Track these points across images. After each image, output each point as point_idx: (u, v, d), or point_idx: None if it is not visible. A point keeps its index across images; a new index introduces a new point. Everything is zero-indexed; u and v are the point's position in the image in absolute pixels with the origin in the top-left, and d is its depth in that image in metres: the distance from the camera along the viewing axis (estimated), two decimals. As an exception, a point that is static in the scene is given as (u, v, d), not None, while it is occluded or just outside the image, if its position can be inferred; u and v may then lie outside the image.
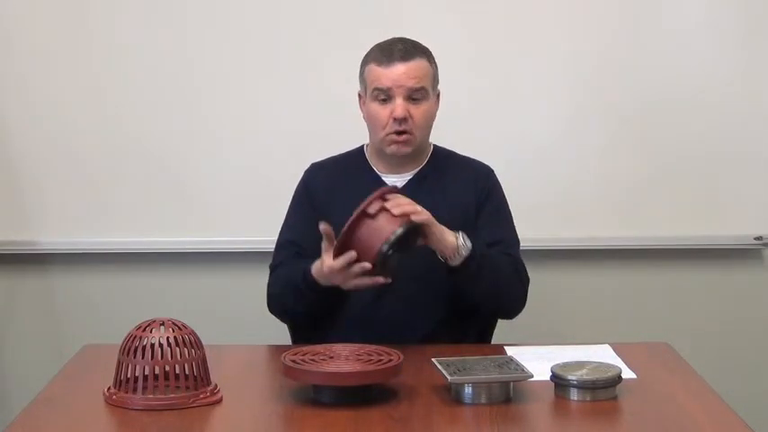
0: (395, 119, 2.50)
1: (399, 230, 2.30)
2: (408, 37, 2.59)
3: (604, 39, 3.27)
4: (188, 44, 3.24)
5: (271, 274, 2.63)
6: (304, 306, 2.53)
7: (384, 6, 3.22)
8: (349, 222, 2.30)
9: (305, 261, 2.48)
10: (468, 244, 2.42)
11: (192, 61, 3.24)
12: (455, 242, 2.41)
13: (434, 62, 2.58)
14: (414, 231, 2.34)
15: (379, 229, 2.30)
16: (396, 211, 2.31)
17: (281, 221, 2.69)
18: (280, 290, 2.57)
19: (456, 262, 2.42)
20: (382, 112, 2.52)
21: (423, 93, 2.52)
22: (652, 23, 3.27)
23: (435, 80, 2.58)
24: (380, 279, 2.35)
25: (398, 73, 2.50)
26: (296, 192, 2.68)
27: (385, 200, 2.34)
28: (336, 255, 2.34)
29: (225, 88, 3.26)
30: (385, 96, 2.52)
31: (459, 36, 3.22)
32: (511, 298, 2.57)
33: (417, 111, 2.52)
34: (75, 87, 3.25)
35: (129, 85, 3.25)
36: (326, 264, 2.36)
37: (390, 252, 2.31)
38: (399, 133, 2.51)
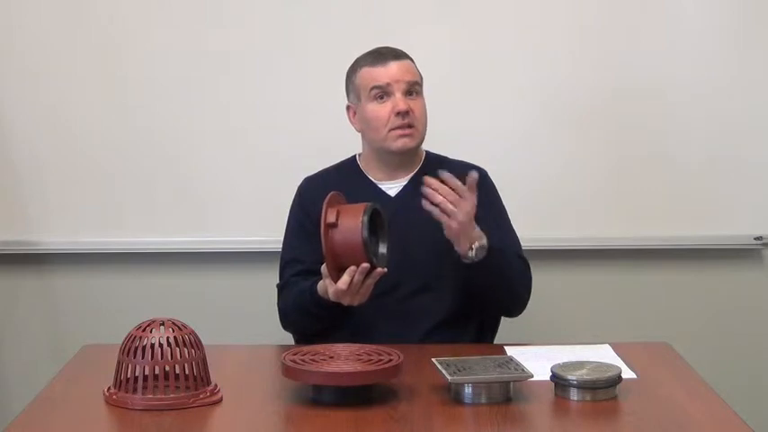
0: (398, 113, 2.52)
1: (365, 217, 2.33)
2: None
3: (601, 39, 3.26)
4: (193, 45, 3.23)
5: (279, 294, 2.64)
6: (319, 323, 2.54)
7: (386, 16, 3.23)
8: (323, 243, 2.33)
9: (310, 281, 2.50)
10: (482, 253, 2.43)
11: (195, 61, 3.24)
12: (466, 251, 2.43)
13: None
14: (376, 212, 2.38)
15: (350, 227, 2.33)
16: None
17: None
18: (292, 313, 2.59)
19: (467, 261, 2.45)
20: (382, 110, 2.54)
21: (418, 88, 2.57)
22: (651, 23, 3.26)
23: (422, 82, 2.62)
24: (379, 270, 2.36)
25: (394, 70, 2.55)
26: (291, 208, 2.69)
27: (333, 204, 2.36)
28: (334, 277, 2.35)
29: (225, 88, 3.25)
30: (384, 94, 2.54)
31: (448, 37, 3.22)
32: (519, 294, 2.60)
33: (416, 105, 2.56)
34: (76, 87, 3.24)
35: (129, 86, 3.25)
36: (332, 291, 2.37)
37: (371, 238, 2.34)
38: (404, 127, 2.53)
